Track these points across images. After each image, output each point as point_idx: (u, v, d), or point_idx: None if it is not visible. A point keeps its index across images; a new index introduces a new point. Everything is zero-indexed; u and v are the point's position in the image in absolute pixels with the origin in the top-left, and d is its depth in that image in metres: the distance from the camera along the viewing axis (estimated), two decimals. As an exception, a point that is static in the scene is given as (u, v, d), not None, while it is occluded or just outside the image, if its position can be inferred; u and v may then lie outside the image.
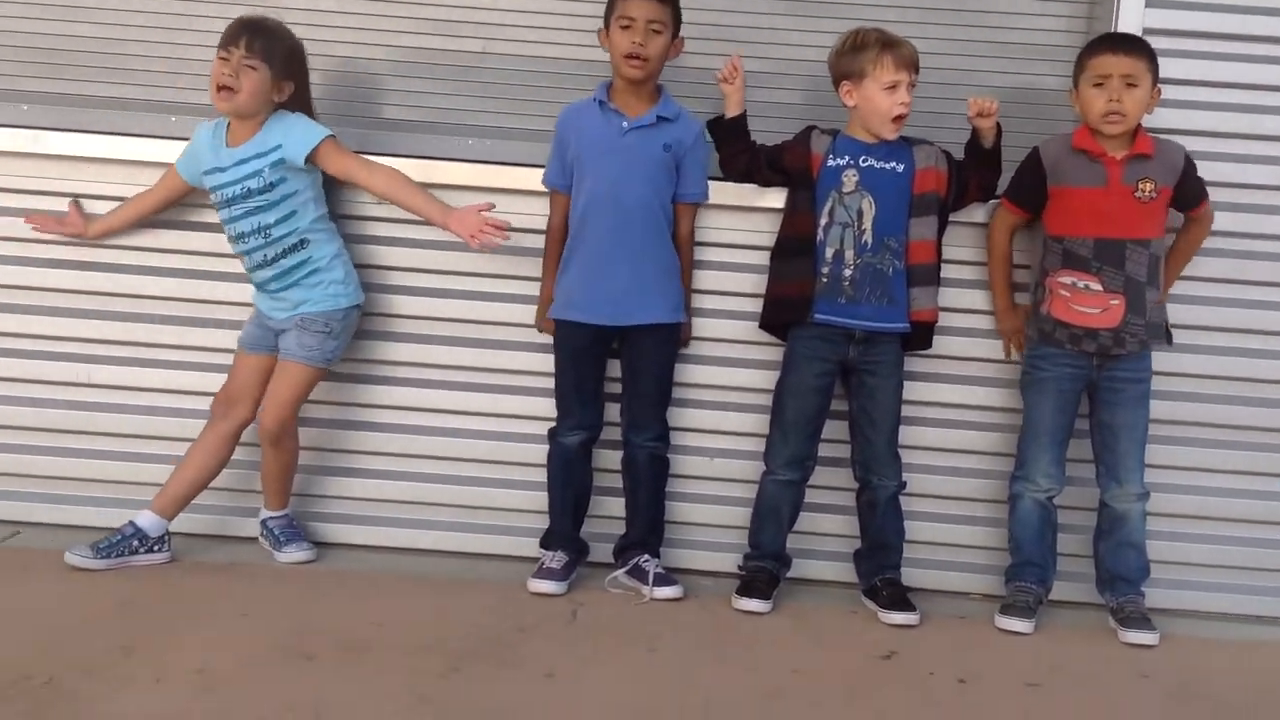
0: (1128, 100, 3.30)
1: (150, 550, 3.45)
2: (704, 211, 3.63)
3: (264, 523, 3.64)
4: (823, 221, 3.44)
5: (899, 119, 3.40)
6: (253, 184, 3.41)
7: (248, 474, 3.68)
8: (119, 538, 3.41)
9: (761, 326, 3.60)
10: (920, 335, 3.51)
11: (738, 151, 3.52)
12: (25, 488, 3.76)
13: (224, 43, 3.37)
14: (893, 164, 3.45)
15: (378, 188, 3.47)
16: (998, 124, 3.46)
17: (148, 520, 3.44)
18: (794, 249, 3.48)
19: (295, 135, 3.42)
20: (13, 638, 2.89)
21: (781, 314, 3.52)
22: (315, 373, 3.50)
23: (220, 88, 3.36)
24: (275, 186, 3.42)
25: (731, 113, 3.51)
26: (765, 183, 3.57)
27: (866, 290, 3.42)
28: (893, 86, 3.37)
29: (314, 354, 3.47)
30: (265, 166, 3.41)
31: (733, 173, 3.56)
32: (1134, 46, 3.35)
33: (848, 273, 3.42)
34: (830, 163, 3.45)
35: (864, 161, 3.44)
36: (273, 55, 3.39)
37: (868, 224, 3.42)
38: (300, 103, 3.49)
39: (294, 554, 3.58)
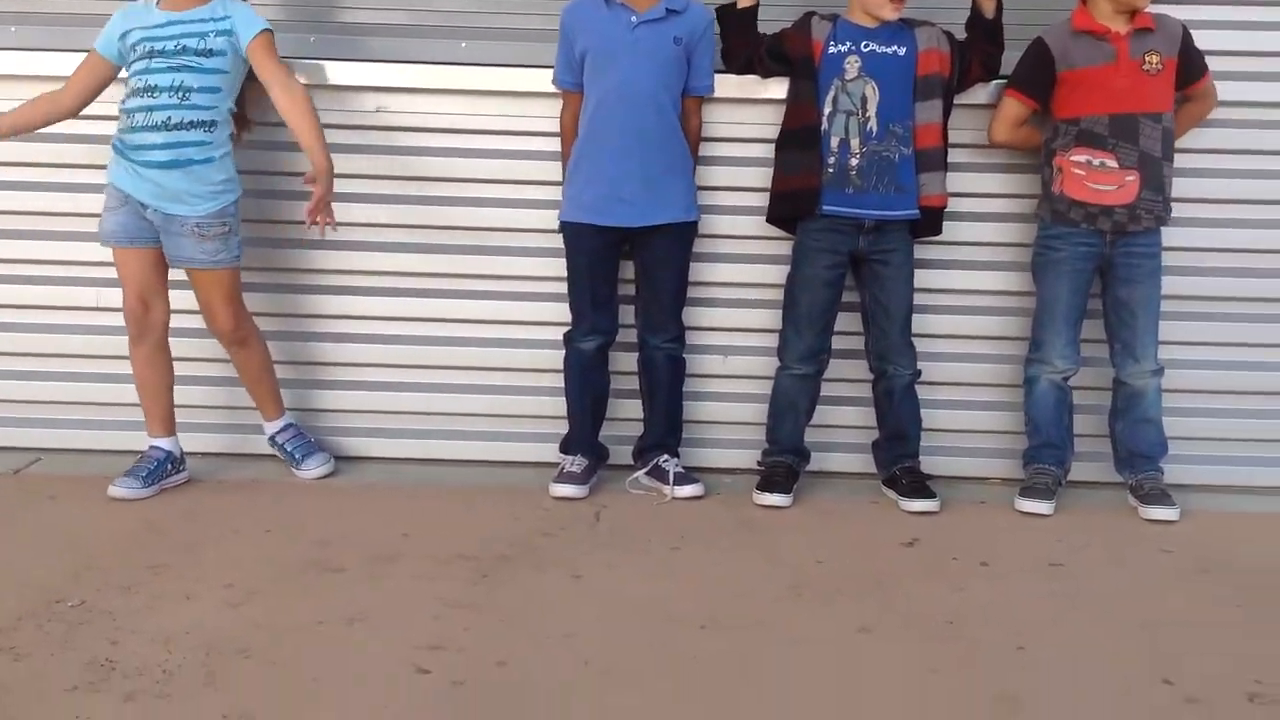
0: None
1: (178, 470, 3.47)
2: (707, 105, 3.58)
3: (272, 439, 3.62)
4: (826, 110, 3.40)
5: (897, 4, 3.35)
6: (190, 43, 3.30)
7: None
8: (155, 463, 3.42)
9: (769, 220, 3.57)
10: (930, 221, 3.48)
11: (743, 43, 3.46)
12: (42, 414, 3.77)
13: None
14: (894, 48, 3.40)
15: (282, 104, 3.33)
16: (999, 1, 3.41)
17: (166, 442, 3.46)
18: (799, 140, 3.43)
19: (244, 17, 3.34)
20: (44, 562, 2.92)
21: (789, 207, 3.49)
22: (234, 271, 3.44)
23: None
24: (212, 55, 3.32)
25: (745, 2, 3.44)
26: (767, 73, 3.52)
27: (874, 179, 3.38)
28: None
29: (222, 256, 3.39)
30: (211, 31, 3.32)
31: (735, 64, 3.50)
32: None
33: (854, 161, 3.38)
34: (831, 50, 3.40)
35: (865, 47, 3.39)
36: None
37: (872, 110, 3.38)
38: None
39: (314, 469, 3.58)
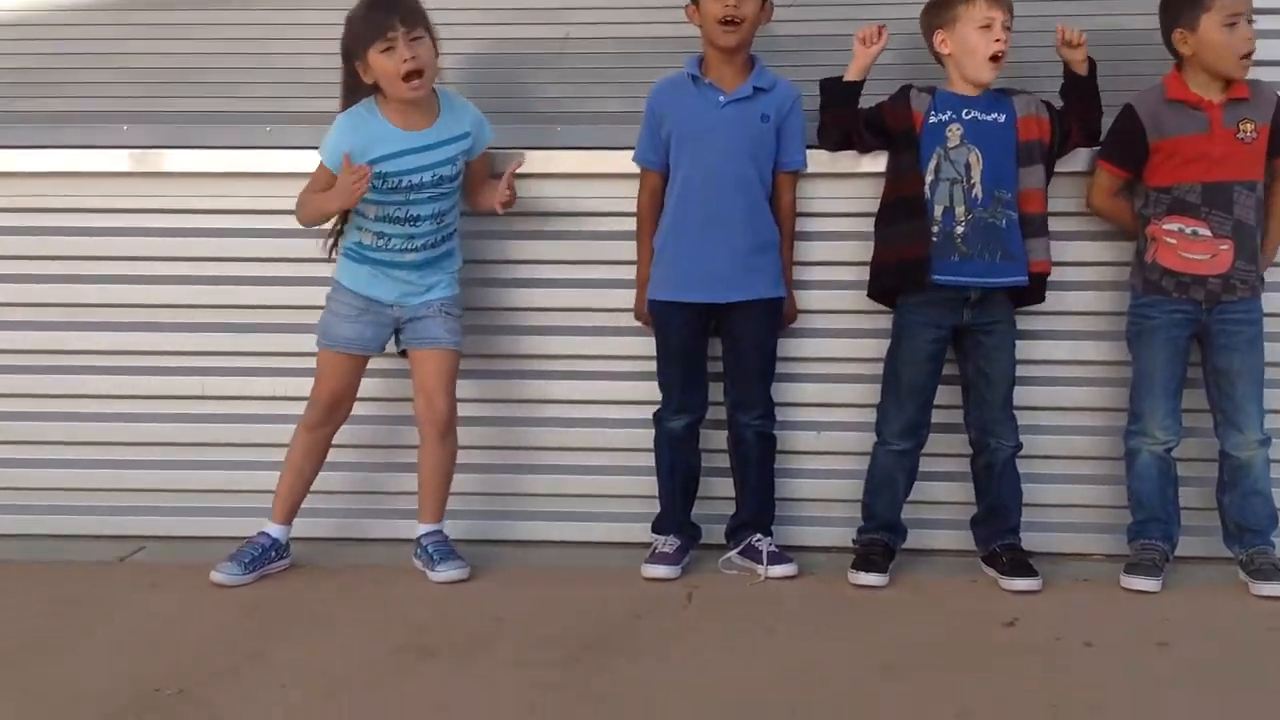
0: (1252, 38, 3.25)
1: (282, 557, 3.52)
2: (801, 181, 3.58)
3: (419, 540, 3.53)
4: (929, 179, 3.38)
5: (996, 59, 3.33)
6: (445, 170, 3.39)
7: (367, 476, 3.78)
8: (259, 550, 3.46)
9: (871, 295, 3.53)
10: (1035, 288, 3.44)
11: (842, 117, 3.45)
12: (146, 502, 3.85)
13: (379, 31, 3.24)
14: (995, 115, 3.39)
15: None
16: (1090, 60, 3.38)
17: (277, 530, 3.50)
18: (903, 211, 3.40)
19: (480, 132, 3.46)
20: (143, 651, 2.97)
21: (896, 279, 3.44)
22: (460, 356, 3.54)
23: (410, 74, 3.26)
24: (460, 174, 3.43)
25: (852, 76, 3.43)
26: (865, 148, 3.50)
27: (980, 245, 3.35)
28: (987, 25, 3.32)
29: (459, 338, 3.50)
30: (459, 153, 3.41)
31: (830, 139, 3.50)
32: None
33: (960, 229, 3.35)
34: (932, 119, 3.39)
35: (967, 114, 3.38)
36: (428, 22, 3.34)
37: (976, 177, 3.36)
38: None
39: (449, 573, 3.45)
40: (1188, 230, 3.30)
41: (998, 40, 3.32)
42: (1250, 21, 3.27)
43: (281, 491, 3.52)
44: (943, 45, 3.40)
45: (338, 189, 3.30)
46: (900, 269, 3.41)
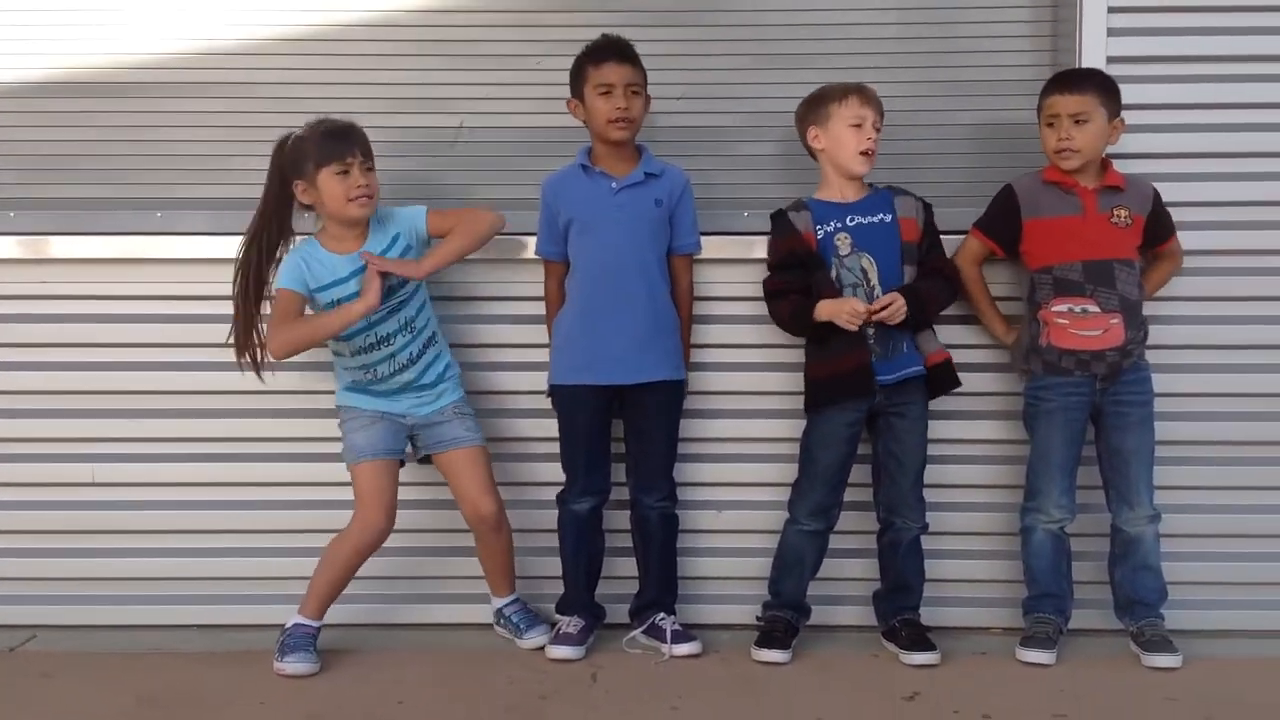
0: (1078, 137, 3.38)
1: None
2: (699, 266, 3.65)
3: (500, 611, 3.60)
4: (836, 290, 3.43)
5: (867, 154, 3.43)
6: (392, 281, 3.37)
7: (262, 561, 3.73)
8: (311, 639, 3.37)
9: (810, 409, 3.50)
10: (946, 377, 3.50)
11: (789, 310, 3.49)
12: (37, 591, 3.75)
13: (337, 155, 3.30)
14: (879, 216, 3.47)
15: (466, 242, 3.44)
16: (908, 299, 3.37)
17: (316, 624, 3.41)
18: (833, 327, 3.38)
19: (406, 222, 3.45)
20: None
21: (842, 390, 3.42)
22: (487, 451, 3.56)
23: (359, 197, 3.32)
24: (405, 281, 3.42)
25: (821, 318, 3.39)
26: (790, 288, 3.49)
27: (889, 344, 3.41)
28: (858, 124, 3.41)
29: (480, 434, 3.54)
30: (397, 257, 3.41)
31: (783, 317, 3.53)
32: (1081, 84, 3.42)
33: (870, 330, 3.40)
34: (820, 234, 3.45)
35: (851, 221, 3.46)
36: (371, 152, 3.40)
37: (875, 279, 3.42)
38: None
39: (538, 638, 3.51)
40: (1077, 309, 3.40)
41: (869, 138, 3.42)
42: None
43: (319, 598, 3.40)
44: (815, 140, 3.49)
45: (363, 294, 3.28)
46: (853, 379, 3.39)
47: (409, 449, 3.54)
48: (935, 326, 3.55)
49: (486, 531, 3.52)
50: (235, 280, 3.40)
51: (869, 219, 3.46)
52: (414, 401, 3.47)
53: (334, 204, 3.33)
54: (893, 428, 3.48)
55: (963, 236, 3.59)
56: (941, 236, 3.57)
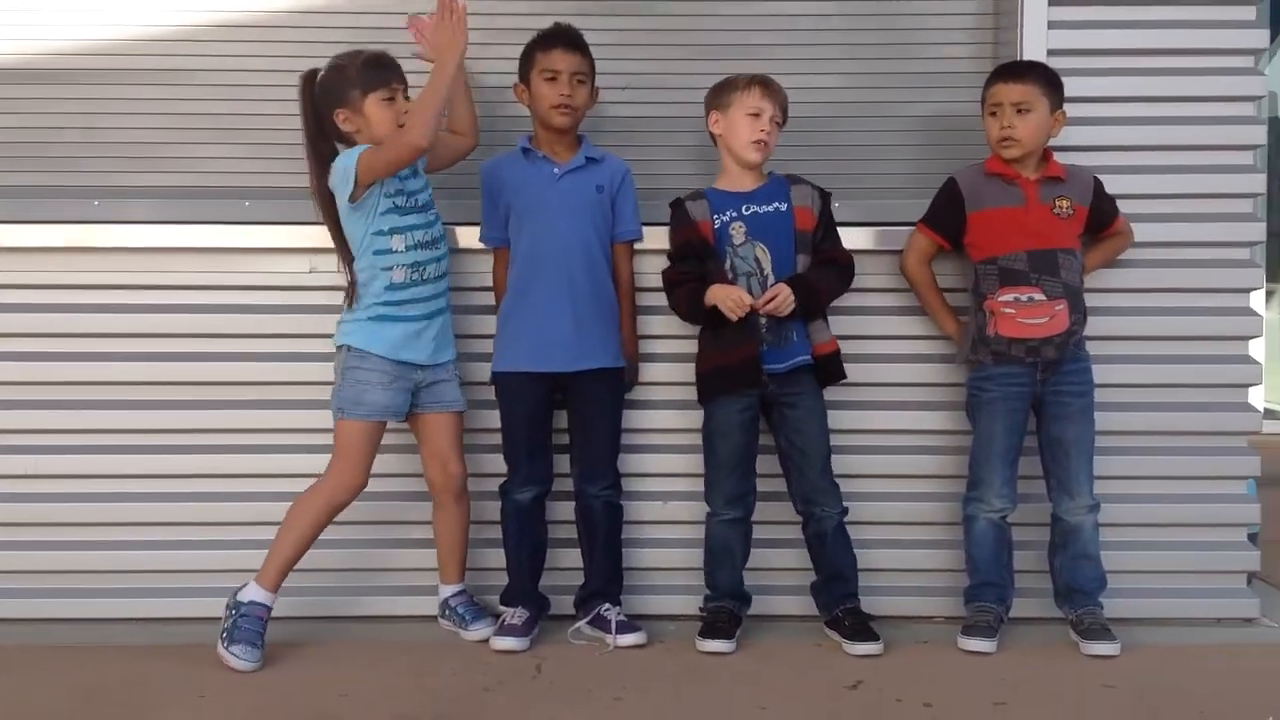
0: (1020, 126, 3.42)
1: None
2: (640, 257, 3.66)
3: (446, 602, 3.57)
4: (730, 279, 3.45)
5: (759, 144, 3.45)
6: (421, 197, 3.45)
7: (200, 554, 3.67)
8: (261, 624, 3.29)
9: (703, 401, 3.53)
10: (832, 369, 3.51)
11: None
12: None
13: (381, 81, 3.34)
14: (774, 205, 3.49)
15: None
16: (798, 286, 3.40)
17: (269, 597, 3.32)
18: (723, 317, 3.40)
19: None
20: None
21: (728, 380, 3.45)
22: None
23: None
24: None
25: (709, 302, 3.41)
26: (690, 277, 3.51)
27: (780, 333, 3.43)
28: (756, 114, 3.44)
29: (465, 399, 3.55)
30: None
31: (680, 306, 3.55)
32: (1025, 73, 3.47)
33: (763, 320, 3.42)
34: (717, 223, 3.47)
35: (746, 210, 3.48)
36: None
37: (769, 269, 3.44)
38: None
39: (482, 631, 3.49)
40: (1023, 298, 3.43)
41: (763, 130, 3.44)
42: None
43: (281, 563, 3.33)
44: (715, 125, 3.52)
45: (446, 37, 3.26)
46: (739, 370, 3.41)
47: None
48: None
49: (449, 499, 3.51)
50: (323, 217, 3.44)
51: (764, 208, 3.48)
52: (431, 349, 3.42)
53: (385, 130, 3.34)
54: (788, 419, 3.49)
55: (906, 229, 3.63)
56: (884, 229, 3.59)
